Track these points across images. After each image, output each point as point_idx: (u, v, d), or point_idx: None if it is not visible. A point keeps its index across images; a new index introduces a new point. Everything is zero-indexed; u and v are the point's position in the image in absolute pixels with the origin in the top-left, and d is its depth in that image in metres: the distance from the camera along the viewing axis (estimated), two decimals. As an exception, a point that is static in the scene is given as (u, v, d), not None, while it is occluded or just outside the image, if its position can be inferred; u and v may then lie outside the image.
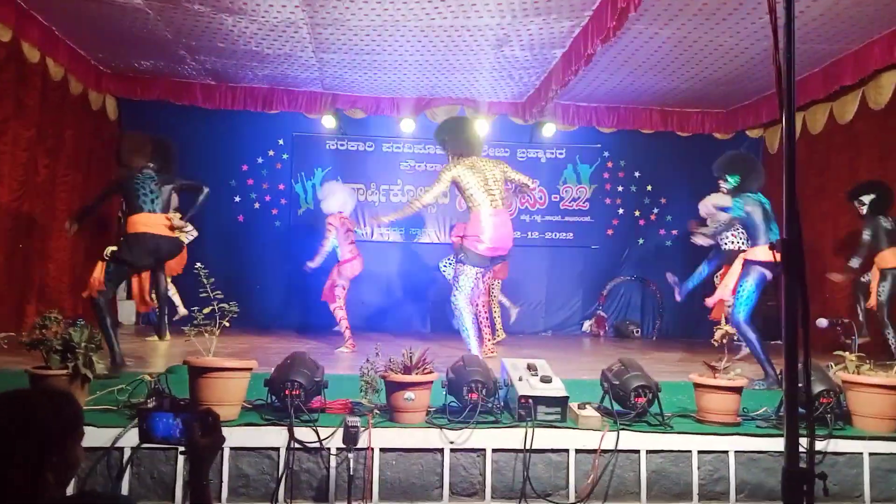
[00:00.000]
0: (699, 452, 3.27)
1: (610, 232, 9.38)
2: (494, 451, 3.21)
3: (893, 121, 6.74)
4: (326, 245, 6.41)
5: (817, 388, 3.30)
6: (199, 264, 3.52)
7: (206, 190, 5.09)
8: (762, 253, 4.58)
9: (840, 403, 3.43)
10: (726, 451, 3.28)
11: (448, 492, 3.17)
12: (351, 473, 3.00)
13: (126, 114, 8.34)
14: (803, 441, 1.71)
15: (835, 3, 5.48)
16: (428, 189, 5.44)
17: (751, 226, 4.73)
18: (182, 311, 7.00)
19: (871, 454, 3.32)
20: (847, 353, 3.61)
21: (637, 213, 9.37)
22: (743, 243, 5.94)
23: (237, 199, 8.84)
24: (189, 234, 6.62)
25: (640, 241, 9.34)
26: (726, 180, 4.99)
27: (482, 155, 5.63)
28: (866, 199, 6.17)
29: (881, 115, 6.74)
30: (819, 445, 3.16)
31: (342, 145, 9.08)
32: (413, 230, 9.14)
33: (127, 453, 3.03)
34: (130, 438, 3.01)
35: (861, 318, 6.08)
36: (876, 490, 3.30)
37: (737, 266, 5.10)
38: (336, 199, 6.54)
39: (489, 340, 6.26)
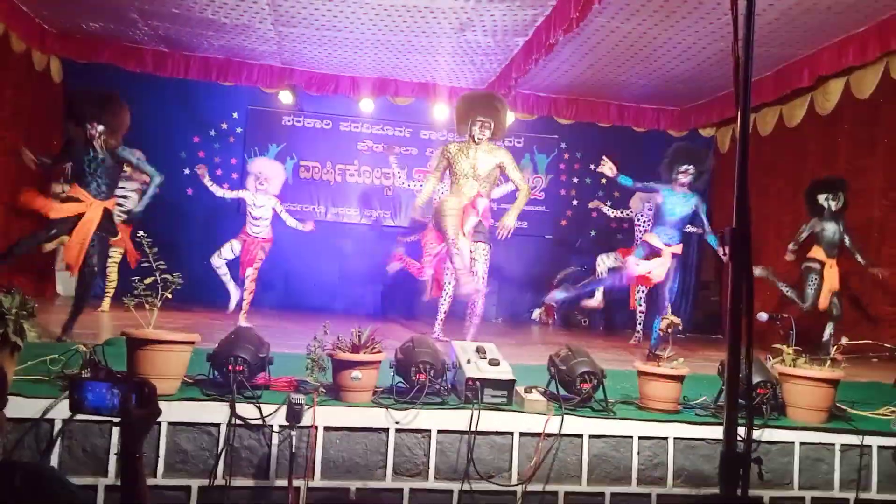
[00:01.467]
0: (640, 438, 3.33)
1: (563, 223, 9.48)
2: (440, 431, 3.21)
3: (838, 126, 6.99)
4: (229, 192, 6.89)
5: (756, 378, 3.40)
6: (141, 233, 3.39)
7: (156, 179, 4.93)
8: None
9: (776, 395, 3.54)
10: (666, 438, 3.35)
11: (391, 471, 3.16)
12: (293, 451, 2.96)
13: (72, 76, 7.98)
14: (741, 429, 1.75)
15: (789, 9, 5.63)
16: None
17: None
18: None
19: (801, 443, 3.44)
20: (785, 346, 3.73)
21: (592, 205, 9.48)
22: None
23: (186, 171, 8.57)
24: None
25: (593, 232, 9.47)
26: (688, 172, 5.47)
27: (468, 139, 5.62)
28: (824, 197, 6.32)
29: (827, 119, 6.97)
30: (755, 434, 3.26)
31: (299, 122, 8.91)
32: (367, 211, 9.05)
33: (57, 425, 2.91)
34: (61, 410, 2.89)
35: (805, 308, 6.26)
36: (804, 477, 3.43)
37: (666, 256, 5.70)
38: (251, 176, 6.78)
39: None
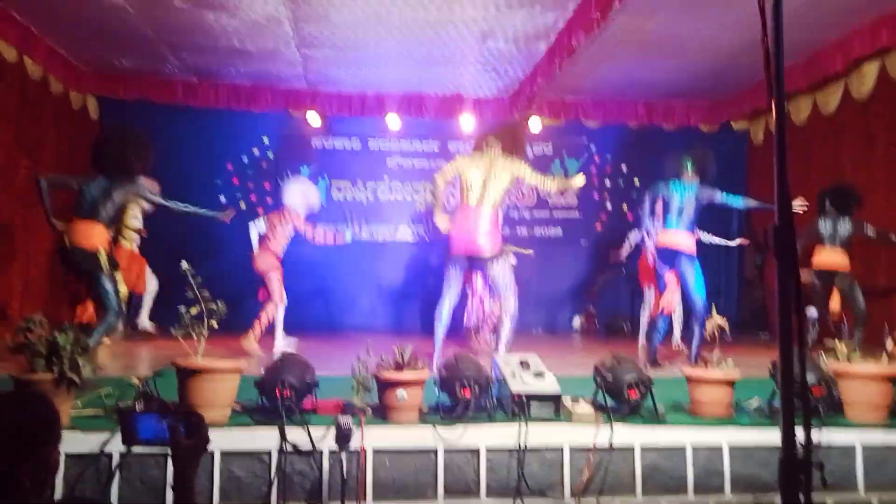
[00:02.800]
0: (693, 447, 3.26)
1: (598, 227, 9.38)
2: (489, 450, 3.19)
3: (876, 110, 6.79)
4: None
5: (810, 378, 3.30)
6: (185, 263, 3.46)
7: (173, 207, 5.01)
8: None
9: (832, 394, 3.43)
10: (720, 446, 3.28)
11: (443, 491, 3.15)
12: (344, 475, 2.97)
13: (107, 113, 8.22)
14: (799, 432, 1.70)
15: (817, -7, 5.50)
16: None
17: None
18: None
19: (863, 444, 3.33)
20: (838, 341, 3.62)
21: (625, 208, 9.38)
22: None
23: (222, 198, 8.73)
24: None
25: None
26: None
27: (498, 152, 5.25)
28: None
29: (864, 105, 6.77)
30: (813, 436, 3.16)
31: (328, 143, 9.01)
32: (402, 227, 9.10)
33: (116, 459, 2.98)
34: (118, 444, 2.95)
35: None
36: (869, 479, 3.31)
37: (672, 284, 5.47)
38: (302, 201, 6.41)
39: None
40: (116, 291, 4.66)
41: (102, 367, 4.49)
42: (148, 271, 6.77)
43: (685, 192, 5.36)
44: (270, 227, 6.22)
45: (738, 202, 5.44)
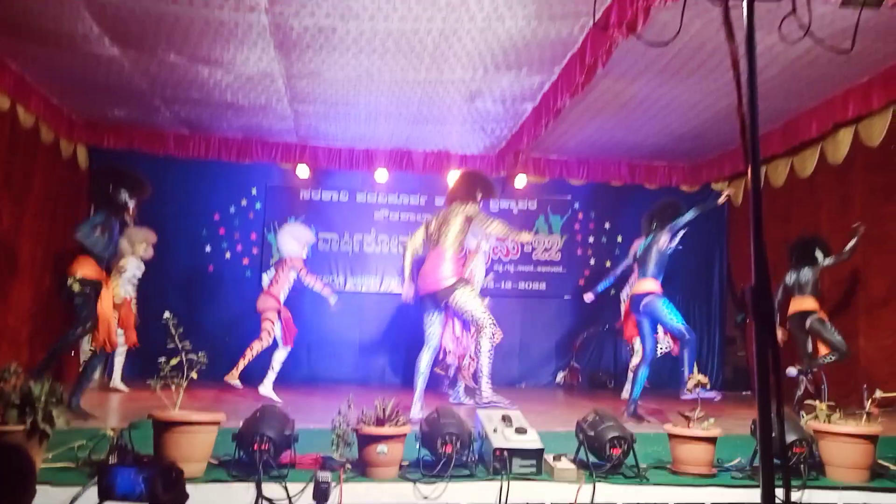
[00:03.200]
0: (675, 505, 3.23)
1: (582, 282, 9.44)
2: (469, 506, 3.14)
3: (851, 175, 6.99)
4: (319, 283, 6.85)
5: (790, 437, 3.31)
6: (167, 313, 3.44)
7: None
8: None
9: (813, 453, 3.44)
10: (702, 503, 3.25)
11: (422, 549, 3.08)
12: (321, 532, 2.90)
13: (96, 162, 8.27)
14: (779, 491, 1.70)
15: (791, 63, 5.74)
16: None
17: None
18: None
19: (845, 504, 3.32)
20: (818, 401, 3.64)
21: (608, 264, 9.45)
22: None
23: (208, 248, 8.73)
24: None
25: (612, 291, 9.40)
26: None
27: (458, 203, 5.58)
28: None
29: (840, 168, 6.98)
30: (794, 496, 3.15)
31: (315, 195, 9.09)
32: (386, 279, 9.11)
33: (85, 513, 2.89)
34: (90, 497, 2.87)
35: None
36: (851, 541, 3.29)
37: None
38: (295, 242, 6.78)
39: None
40: (87, 316, 4.70)
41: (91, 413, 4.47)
42: (119, 333, 6.56)
43: (644, 244, 5.73)
44: (275, 275, 6.69)
45: (689, 215, 5.65)
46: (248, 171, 8.73)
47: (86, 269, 4.78)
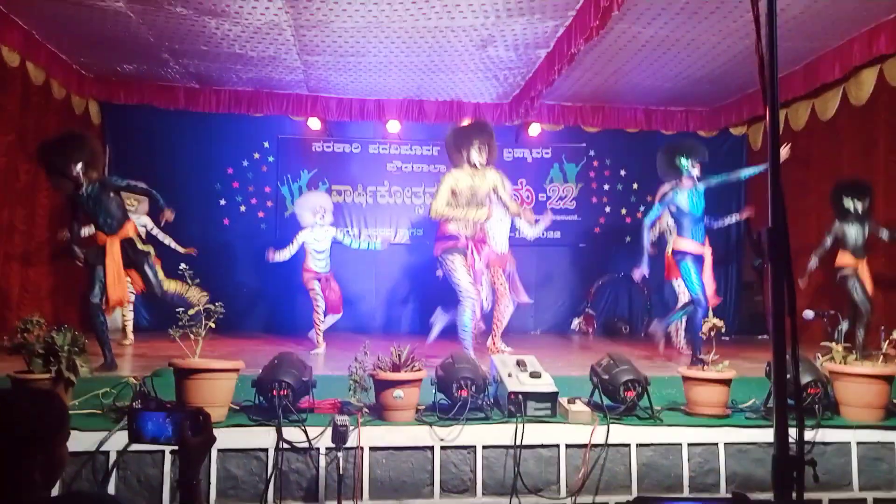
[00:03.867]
0: (689, 445, 3.28)
1: (597, 230, 9.41)
2: (485, 447, 3.20)
3: (874, 116, 6.82)
4: (294, 245, 6.73)
5: (805, 378, 3.32)
6: (183, 265, 3.48)
7: (157, 197, 5.10)
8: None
9: (828, 394, 3.45)
10: (716, 443, 3.29)
11: (439, 489, 3.16)
12: (340, 473, 2.98)
13: (109, 117, 8.27)
14: (792, 431, 1.72)
15: (814, 2, 5.54)
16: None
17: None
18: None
19: (858, 443, 3.35)
20: (834, 343, 3.63)
21: (623, 212, 9.41)
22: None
23: (222, 202, 8.77)
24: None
25: (628, 238, 9.37)
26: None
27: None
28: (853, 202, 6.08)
29: (862, 110, 6.80)
30: (808, 435, 3.18)
31: (328, 147, 9.04)
32: (401, 230, 9.13)
33: (112, 457, 2.99)
34: (116, 442, 2.97)
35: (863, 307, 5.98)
36: (864, 478, 3.33)
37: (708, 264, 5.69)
38: (308, 212, 6.75)
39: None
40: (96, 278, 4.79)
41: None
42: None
43: (697, 195, 5.57)
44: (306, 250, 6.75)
45: (734, 176, 5.68)
46: (260, 125, 8.68)
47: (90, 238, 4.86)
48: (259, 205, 8.89)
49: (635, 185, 9.38)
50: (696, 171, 5.48)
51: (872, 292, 6.00)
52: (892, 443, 3.36)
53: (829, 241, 6.13)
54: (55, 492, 2.85)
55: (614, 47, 6.71)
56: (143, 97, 7.94)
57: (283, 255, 6.74)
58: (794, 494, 1.68)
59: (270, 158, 8.95)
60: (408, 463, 3.16)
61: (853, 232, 6.04)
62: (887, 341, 3.83)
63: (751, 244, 8.29)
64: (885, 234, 6.04)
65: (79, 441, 2.96)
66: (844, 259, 6.07)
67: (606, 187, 9.44)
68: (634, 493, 3.20)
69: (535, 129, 8.73)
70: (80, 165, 4.78)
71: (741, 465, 3.28)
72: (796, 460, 1.69)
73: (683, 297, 6.38)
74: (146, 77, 7.80)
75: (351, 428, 3.06)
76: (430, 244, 7.77)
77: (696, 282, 5.45)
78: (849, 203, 6.06)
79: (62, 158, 4.76)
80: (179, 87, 7.99)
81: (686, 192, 5.51)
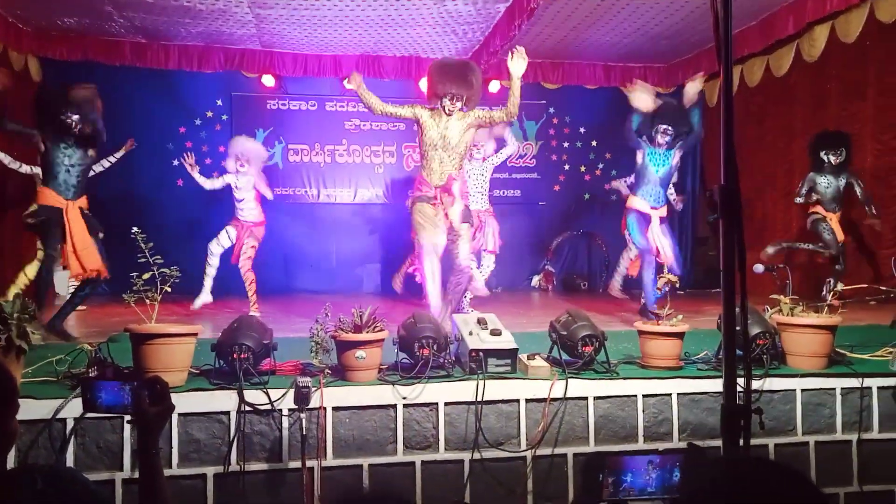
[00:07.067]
0: (644, 396, 3.38)
1: (556, 188, 9.47)
2: (447, 404, 3.25)
3: (826, 72, 6.95)
4: (217, 181, 6.57)
5: (754, 330, 3.44)
6: (136, 228, 3.39)
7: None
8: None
9: (776, 344, 3.58)
10: (669, 394, 3.41)
11: (402, 446, 3.21)
12: (304, 433, 3.00)
13: (50, 75, 7.88)
14: (741, 381, 1.79)
15: (770, -45, 5.56)
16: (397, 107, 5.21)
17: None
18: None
19: (803, 390, 3.50)
20: (782, 296, 3.76)
21: (583, 169, 9.48)
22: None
23: (175, 162, 8.51)
24: None
25: (587, 196, 9.46)
26: (667, 132, 5.41)
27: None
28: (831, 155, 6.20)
29: (815, 67, 6.92)
30: (756, 384, 3.31)
31: (283, 105, 8.83)
32: (360, 190, 9.03)
33: (70, 424, 2.95)
34: (72, 409, 2.92)
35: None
36: (807, 423, 3.50)
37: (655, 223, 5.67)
38: (231, 159, 6.48)
39: None
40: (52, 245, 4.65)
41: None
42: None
43: (665, 159, 5.68)
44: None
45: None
46: (213, 82, 8.40)
47: (44, 198, 4.64)
48: (214, 165, 8.66)
49: (594, 143, 9.44)
50: (665, 138, 5.57)
51: (843, 241, 6.22)
52: (834, 388, 3.52)
53: (803, 190, 6.31)
54: (10, 464, 2.82)
55: (574, 2, 6.66)
56: (87, 53, 7.57)
57: (201, 180, 6.59)
58: (741, 441, 1.76)
59: (224, 117, 8.71)
60: (371, 421, 3.20)
61: (824, 183, 6.21)
62: (831, 293, 3.99)
63: (705, 200, 8.47)
64: (858, 189, 6.20)
65: (34, 409, 2.90)
66: (817, 208, 6.29)
67: (566, 145, 9.47)
68: (592, 445, 3.30)
69: (494, 86, 8.64)
70: (76, 117, 4.63)
71: (693, 415, 3.41)
72: (743, 409, 1.76)
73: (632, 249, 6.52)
74: (89, 31, 7.43)
75: (313, 389, 3.06)
76: (391, 204, 7.78)
77: (638, 237, 5.66)
78: (824, 156, 6.21)
79: (62, 105, 4.61)
80: (125, 41, 7.64)
81: (655, 152, 5.60)
